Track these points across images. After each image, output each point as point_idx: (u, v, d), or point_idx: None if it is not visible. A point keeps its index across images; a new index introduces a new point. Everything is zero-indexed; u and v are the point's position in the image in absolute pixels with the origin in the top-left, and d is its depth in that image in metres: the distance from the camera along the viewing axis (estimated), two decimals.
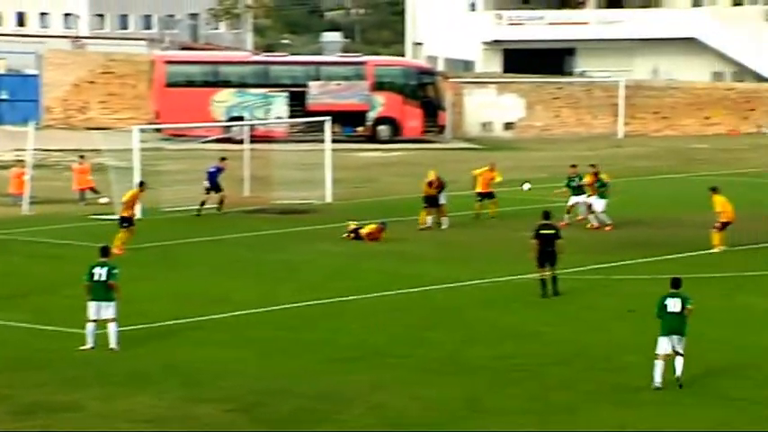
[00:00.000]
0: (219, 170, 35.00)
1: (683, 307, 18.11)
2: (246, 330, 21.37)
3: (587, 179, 32.73)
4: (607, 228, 32.06)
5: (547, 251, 23.60)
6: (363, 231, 30.56)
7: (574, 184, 32.94)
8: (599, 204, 32.33)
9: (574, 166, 33.68)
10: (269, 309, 22.97)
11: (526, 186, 33.39)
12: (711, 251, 28.74)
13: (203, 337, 20.92)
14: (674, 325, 18.12)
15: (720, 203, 29.00)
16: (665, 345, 17.94)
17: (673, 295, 18.30)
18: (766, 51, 69.88)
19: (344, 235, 30.67)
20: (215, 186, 34.87)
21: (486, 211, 33.78)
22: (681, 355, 17.83)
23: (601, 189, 32.47)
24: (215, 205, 34.77)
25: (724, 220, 28.91)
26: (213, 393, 17.63)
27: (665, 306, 18.21)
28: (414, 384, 18.12)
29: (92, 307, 19.78)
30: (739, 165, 48.19)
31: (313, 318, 22.34)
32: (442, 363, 19.34)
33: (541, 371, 18.83)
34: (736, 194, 31.18)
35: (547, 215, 24.21)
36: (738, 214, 29.36)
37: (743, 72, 69.99)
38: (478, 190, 34.05)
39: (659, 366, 17.78)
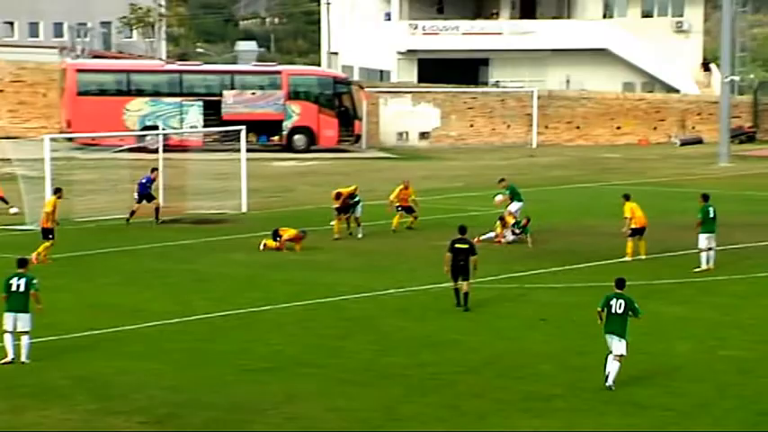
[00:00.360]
0: (151, 181, 34.81)
1: (626, 309, 18.49)
2: (160, 342, 21.21)
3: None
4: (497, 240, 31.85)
5: (460, 264, 23.81)
6: (284, 236, 30.50)
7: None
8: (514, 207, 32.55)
9: (502, 180, 33.70)
10: (183, 320, 22.82)
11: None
12: (624, 259, 29.18)
13: (116, 348, 20.72)
14: (615, 326, 18.62)
15: (629, 209, 29.45)
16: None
17: (617, 296, 18.70)
18: (675, 62, 71.22)
19: (261, 246, 30.59)
20: (147, 197, 34.64)
21: (407, 222, 33.74)
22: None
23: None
24: (151, 218, 34.45)
25: (634, 227, 29.35)
26: (126, 406, 17.47)
27: (610, 306, 18.66)
28: (329, 395, 18.13)
29: (8, 318, 19.56)
30: (650, 174, 49.00)
31: (227, 328, 22.24)
32: (357, 372, 19.37)
33: (456, 379, 18.96)
34: (647, 204, 31.66)
35: (462, 230, 24.38)
36: (649, 223, 29.82)
37: (653, 82, 71.23)
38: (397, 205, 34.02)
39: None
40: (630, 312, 18.62)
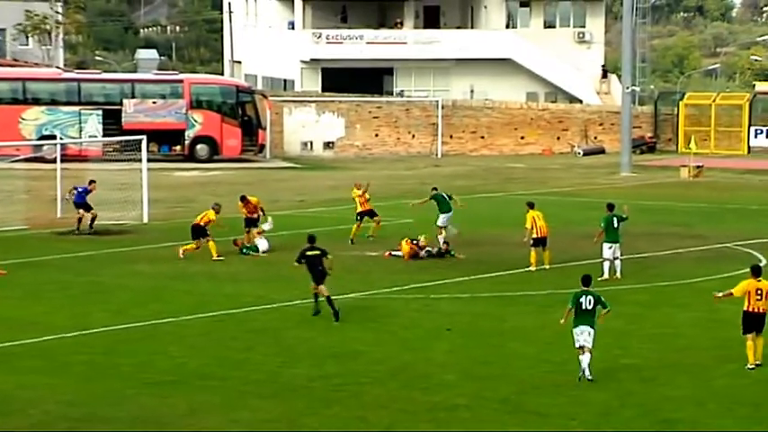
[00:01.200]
0: (87, 191, 34.46)
1: (595, 304, 19.61)
2: (59, 355, 20.90)
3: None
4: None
5: (318, 270, 24.11)
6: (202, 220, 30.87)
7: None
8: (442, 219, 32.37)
9: (435, 188, 33.62)
10: (82, 332, 22.52)
11: (454, 230, 33.03)
12: (528, 269, 29.51)
13: (13, 363, 20.36)
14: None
15: (530, 218, 29.75)
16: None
17: (585, 293, 19.69)
18: (577, 73, 72.32)
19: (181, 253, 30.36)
20: (84, 206, 34.28)
21: (369, 234, 33.51)
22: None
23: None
24: (51, 229, 34.01)
25: (536, 236, 29.68)
26: (22, 421, 17.17)
27: (580, 303, 19.67)
28: (232, 407, 18.03)
29: None
30: (553, 184, 49.64)
31: (128, 341, 22.00)
32: (261, 384, 19.30)
33: (361, 390, 19.00)
34: (550, 213, 32.05)
35: (312, 239, 24.56)
36: (552, 233, 30.20)
37: (556, 92, 72.23)
38: (359, 210, 33.79)
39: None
40: (599, 306, 19.64)
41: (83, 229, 34.38)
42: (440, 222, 31.97)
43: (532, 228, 29.58)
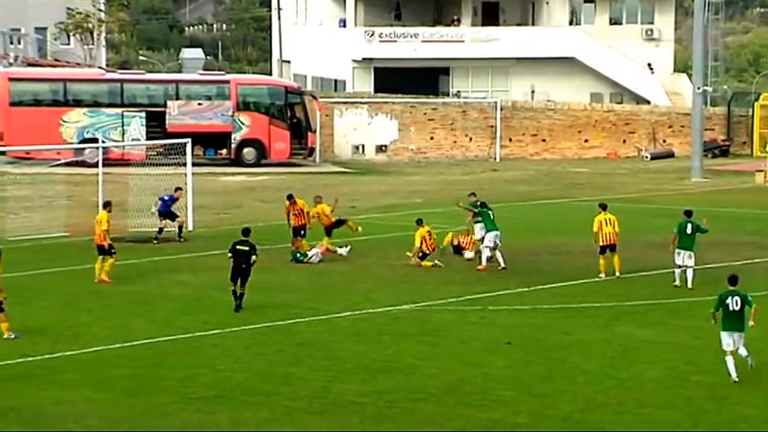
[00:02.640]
0: (174, 200, 34.91)
1: (743, 304, 20.28)
2: (99, 368, 21.08)
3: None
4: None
5: (241, 267, 25.47)
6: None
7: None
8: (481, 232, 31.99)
9: (473, 194, 33.52)
10: (124, 345, 22.70)
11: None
12: (597, 278, 29.37)
13: (52, 376, 20.57)
14: (689, 243, 24.72)
15: (596, 222, 29.65)
16: (727, 340, 20.41)
17: (732, 293, 20.36)
18: (645, 72, 71.84)
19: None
20: (169, 215, 34.75)
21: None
22: (691, 267, 24.46)
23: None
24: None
25: (602, 243, 29.54)
26: None
27: (727, 305, 20.37)
28: (278, 424, 18.09)
29: None
30: (619, 190, 49.35)
31: (172, 354, 22.16)
32: (309, 400, 19.35)
33: (414, 407, 18.98)
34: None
35: (246, 232, 26.27)
36: (619, 240, 30.01)
37: (622, 93, 71.80)
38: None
39: (731, 362, 20.34)
40: (747, 306, 20.34)
41: (163, 237, 34.61)
42: (486, 242, 30.85)
43: (599, 232, 29.43)
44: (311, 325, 24.63)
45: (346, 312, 25.70)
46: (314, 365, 21.34)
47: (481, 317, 25.56)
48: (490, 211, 31.31)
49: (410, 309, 26.22)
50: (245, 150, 56.48)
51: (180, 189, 35.43)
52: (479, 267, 30.47)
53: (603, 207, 30.08)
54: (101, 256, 29.00)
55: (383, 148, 62.83)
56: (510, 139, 64.00)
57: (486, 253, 30.65)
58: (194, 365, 21.28)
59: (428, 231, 31.54)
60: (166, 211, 34.99)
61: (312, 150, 58.01)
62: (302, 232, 32.42)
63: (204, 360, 21.67)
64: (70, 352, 22.07)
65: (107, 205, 30.09)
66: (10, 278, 29.19)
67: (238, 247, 25.94)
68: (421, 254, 31.14)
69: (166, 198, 35.09)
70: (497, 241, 30.84)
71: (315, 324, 24.71)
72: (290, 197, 32.87)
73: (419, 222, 31.60)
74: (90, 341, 22.85)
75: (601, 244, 29.57)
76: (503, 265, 30.65)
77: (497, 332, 24.01)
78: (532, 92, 71.12)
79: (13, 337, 22.89)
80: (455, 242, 32.84)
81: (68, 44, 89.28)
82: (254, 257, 25.77)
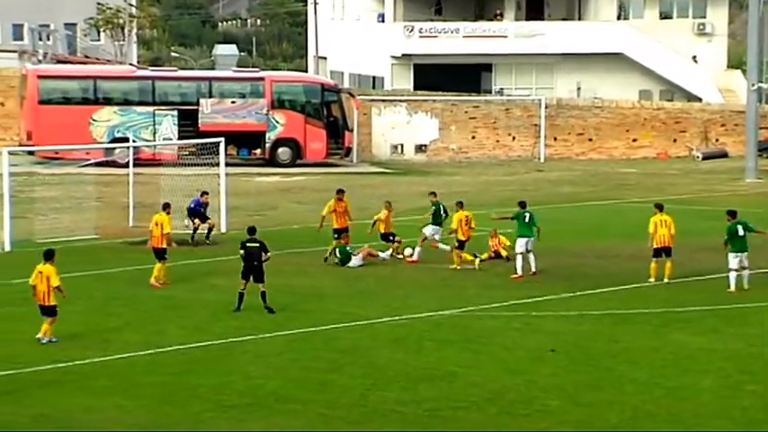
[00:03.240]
0: (200, 204, 35.07)
1: (746, 230, 28.12)
2: (131, 375, 21.20)
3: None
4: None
5: (253, 265, 25.99)
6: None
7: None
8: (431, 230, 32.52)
9: (433, 193, 33.85)
10: (156, 351, 22.82)
11: (386, 254, 33.53)
12: (647, 282, 29.27)
13: (82, 383, 20.70)
14: (742, 245, 28.05)
15: (651, 223, 29.51)
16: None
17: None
18: (697, 68, 71.44)
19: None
20: (200, 217, 35.02)
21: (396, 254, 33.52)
22: (746, 268, 28.19)
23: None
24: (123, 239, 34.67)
25: (656, 246, 29.40)
26: None
27: (737, 231, 27.91)
28: None
29: None
30: (669, 191, 49.11)
31: (204, 360, 22.25)
32: (346, 408, 19.37)
33: (456, 416, 18.97)
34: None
35: (252, 230, 26.66)
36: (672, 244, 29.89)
37: (672, 90, 71.43)
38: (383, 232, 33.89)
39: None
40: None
41: (198, 239, 34.80)
42: (517, 248, 30.70)
43: (654, 234, 29.29)
44: (349, 331, 24.66)
45: (385, 318, 25.72)
46: (352, 372, 21.37)
47: (525, 323, 25.52)
48: (527, 215, 30.94)
49: (451, 314, 26.21)
50: (280, 150, 56.59)
51: (206, 193, 35.51)
52: (514, 276, 30.34)
53: (660, 208, 29.86)
54: (160, 260, 29.24)
55: (423, 147, 62.80)
56: (555, 139, 63.83)
57: (518, 261, 30.46)
58: (227, 372, 21.36)
59: (467, 216, 31.55)
60: (199, 214, 35.11)
61: (349, 150, 58.06)
62: (347, 233, 32.44)
63: (237, 367, 21.74)
64: (101, 358, 22.21)
65: (166, 207, 30.27)
66: None
67: (249, 245, 26.48)
68: (457, 243, 31.05)
69: (192, 205, 35.12)
70: (528, 247, 30.59)
71: (352, 330, 24.73)
72: (339, 191, 32.91)
73: (459, 205, 31.58)
74: (121, 347, 22.99)
75: (655, 246, 29.42)
76: (533, 269, 30.47)
77: (542, 339, 23.96)
78: (578, 89, 70.88)
79: (54, 340, 23.08)
80: (493, 247, 32.80)
81: (99, 40, 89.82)
82: (266, 255, 26.31)
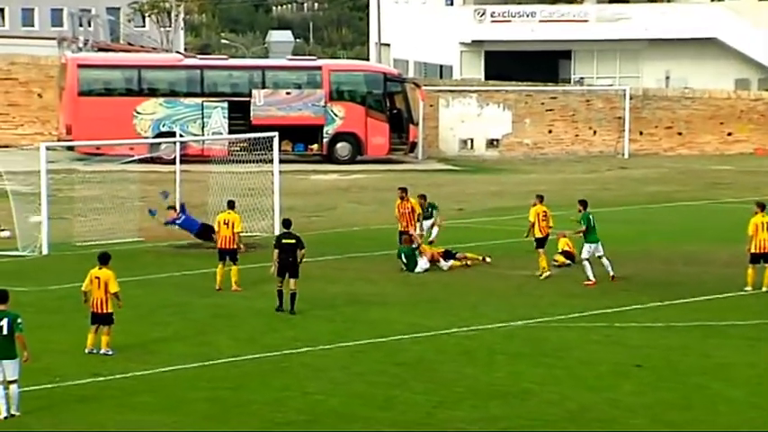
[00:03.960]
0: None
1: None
2: (177, 390, 21.37)
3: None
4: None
5: (288, 261, 26.81)
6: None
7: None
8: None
9: (423, 196, 34.22)
10: (204, 364, 22.98)
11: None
12: (743, 291, 29.07)
13: (124, 398, 20.89)
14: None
15: (751, 225, 29.18)
16: (588, 250, 29.85)
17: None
18: None
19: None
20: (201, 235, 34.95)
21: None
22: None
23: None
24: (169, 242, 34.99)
25: (753, 251, 29.07)
26: None
27: (590, 220, 29.38)
28: None
29: None
30: None
31: (258, 374, 22.38)
32: (411, 427, 19.42)
33: None
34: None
35: (287, 223, 27.58)
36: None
37: None
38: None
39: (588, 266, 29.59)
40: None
41: (250, 244, 34.95)
42: (583, 254, 30.66)
43: (753, 237, 28.98)
44: (414, 342, 24.71)
45: (453, 329, 25.74)
46: (418, 388, 21.42)
47: (606, 335, 25.43)
48: (591, 217, 30.74)
49: (525, 325, 26.18)
50: (339, 145, 56.76)
51: (173, 208, 34.66)
52: (587, 282, 30.22)
53: (762, 207, 29.41)
54: (221, 262, 29.46)
55: (494, 142, 62.71)
56: (640, 133, 63.50)
57: (587, 267, 30.30)
58: (283, 388, 21.48)
59: (545, 211, 31.48)
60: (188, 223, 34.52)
61: (414, 145, 58.10)
62: (410, 236, 32.49)
63: (294, 382, 21.85)
64: (144, 371, 22.39)
65: (232, 205, 30.42)
66: (77, 288, 29.75)
67: (284, 240, 27.14)
68: (535, 240, 30.87)
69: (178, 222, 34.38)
70: (596, 253, 30.42)
71: (418, 341, 24.78)
72: (401, 189, 32.99)
73: (539, 198, 31.54)
74: (167, 359, 23.16)
75: (753, 251, 29.13)
76: (611, 273, 30.43)
77: (625, 353, 23.87)
78: (667, 78, 70.48)
79: (110, 353, 23.33)
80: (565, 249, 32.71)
81: (143, 26, 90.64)
82: (301, 251, 26.97)
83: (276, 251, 27.14)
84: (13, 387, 19.67)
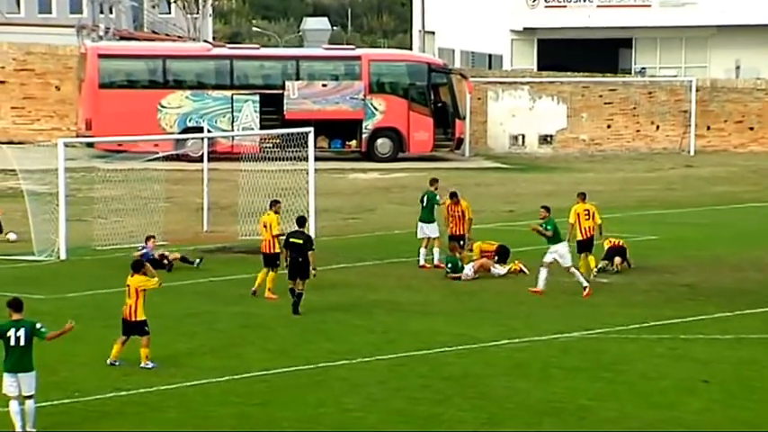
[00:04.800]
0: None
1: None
2: (204, 406, 21.42)
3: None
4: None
5: (297, 262, 27.43)
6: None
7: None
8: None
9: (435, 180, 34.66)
10: (233, 377, 23.03)
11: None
12: None
13: (148, 414, 20.96)
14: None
15: None
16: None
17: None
18: None
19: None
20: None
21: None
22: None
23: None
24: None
25: None
26: None
27: (556, 225, 29.09)
28: None
29: (9, 381, 19.59)
30: None
31: (290, 389, 22.40)
32: None
33: None
34: None
35: (301, 221, 28.09)
36: None
37: None
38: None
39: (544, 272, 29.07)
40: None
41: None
42: (546, 258, 30.24)
43: None
44: (460, 355, 24.68)
45: (502, 340, 25.69)
46: (464, 405, 21.38)
47: (671, 348, 25.34)
48: (556, 222, 30.44)
49: (582, 337, 26.11)
50: (379, 141, 56.81)
51: (153, 237, 33.43)
52: (533, 289, 29.94)
53: None
54: (266, 268, 29.59)
55: (548, 138, 62.62)
56: (708, 128, 63.25)
57: (542, 273, 29.92)
58: (317, 404, 21.49)
59: (586, 210, 31.29)
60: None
61: (460, 142, 58.09)
62: (460, 242, 32.47)
63: (330, 397, 21.87)
64: (169, 386, 22.46)
65: (274, 204, 30.52)
66: (97, 295, 29.93)
67: (292, 239, 27.63)
68: (577, 243, 30.79)
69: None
70: (564, 263, 29.93)
71: (465, 354, 24.75)
72: (452, 195, 32.90)
73: (581, 196, 31.51)
74: (193, 373, 23.22)
75: None
76: (585, 285, 29.97)
77: (691, 367, 23.79)
78: (737, 68, 70.16)
79: (150, 366, 23.44)
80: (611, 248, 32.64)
81: (169, 13, 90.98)
82: (311, 254, 27.43)
83: (286, 251, 27.78)
84: (29, 402, 19.73)
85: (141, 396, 21.92)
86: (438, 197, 33.37)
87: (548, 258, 30.01)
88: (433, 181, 34.38)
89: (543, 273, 29.95)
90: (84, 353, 24.45)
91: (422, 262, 33.20)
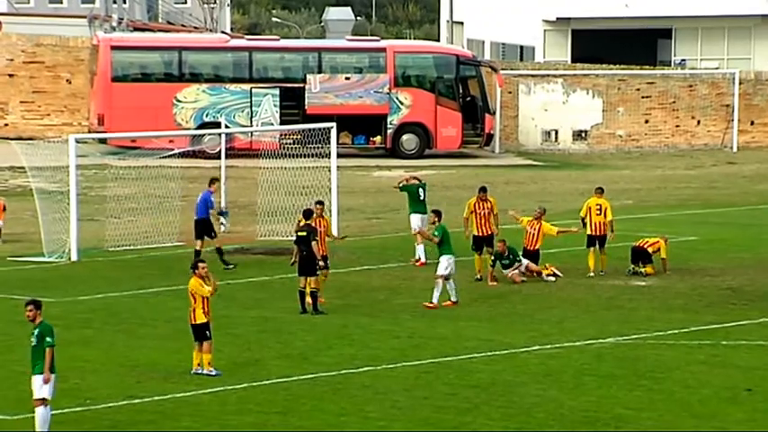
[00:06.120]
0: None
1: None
2: (221, 414, 21.46)
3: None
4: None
5: (302, 256, 27.81)
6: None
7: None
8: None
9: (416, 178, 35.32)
10: (251, 384, 23.06)
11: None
12: None
13: (161, 423, 21.01)
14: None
15: None
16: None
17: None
18: None
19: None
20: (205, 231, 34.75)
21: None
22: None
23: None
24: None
25: None
26: None
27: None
28: None
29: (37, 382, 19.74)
30: None
31: (310, 397, 22.42)
32: None
33: None
34: None
35: (308, 213, 28.42)
36: None
37: None
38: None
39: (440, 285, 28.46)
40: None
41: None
42: (439, 270, 29.65)
43: None
44: (489, 362, 24.67)
45: (533, 346, 25.68)
46: (493, 414, 21.37)
47: (712, 355, 25.29)
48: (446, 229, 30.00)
49: (617, 343, 26.07)
50: (405, 137, 56.82)
51: (216, 180, 34.60)
52: (427, 304, 29.19)
53: None
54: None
55: (582, 134, 62.53)
56: (752, 123, 63.10)
57: (438, 286, 29.18)
58: (339, 412, 21.50)
59: (598, 205, 31.32)
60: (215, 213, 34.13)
61: (490, 137, 58.06)
62: (491, 243, 32.28)
63: (352, 405, 21.88)
64: (185, 393, 22.50)
65: (319, 204, 30.49)
66: (109, 299, 29.99)
67: (299, 233, 28.15)
68: (586, 236, 30.79)
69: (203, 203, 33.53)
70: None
71: (494, 361, 24.73)
72: (482, 189, 32.55)
73: (598, 191, 31.87)
74: (209, 380, 23.26)
75: None
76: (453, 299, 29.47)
77: (734, 375, 23.74)
78: None
79: (213, 373, 23.46)
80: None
81: (184, 3, 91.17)
82: (315, 245, 27.77)
83: (296, 247, 28.20)
84: (41, 408, 19.75)
85: (155, 404, 21.96)
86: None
87: (441, 270, 29.13)
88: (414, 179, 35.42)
89: (439, 285, 29.02)
90: (95, 359, 24.53)
91: (423, 259, 33.31)
